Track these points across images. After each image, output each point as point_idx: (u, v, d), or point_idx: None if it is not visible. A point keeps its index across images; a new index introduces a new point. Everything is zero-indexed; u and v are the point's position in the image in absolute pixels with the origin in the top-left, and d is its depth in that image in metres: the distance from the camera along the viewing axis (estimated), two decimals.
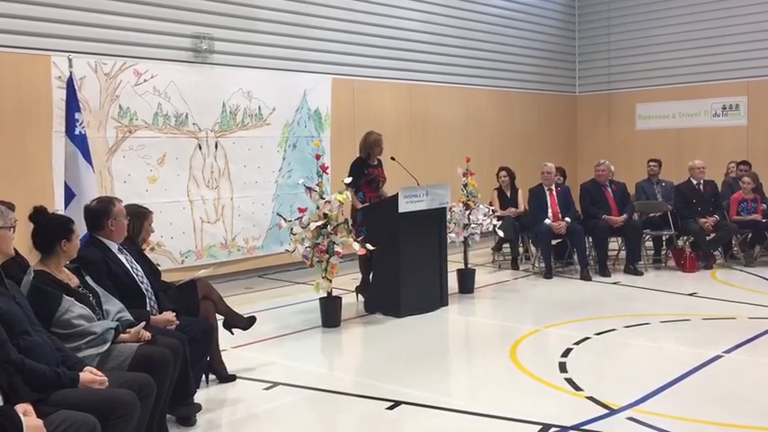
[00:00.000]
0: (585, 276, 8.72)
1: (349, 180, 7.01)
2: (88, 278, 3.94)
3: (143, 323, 3.92)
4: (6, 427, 2.62)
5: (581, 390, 4.82)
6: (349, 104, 10.29)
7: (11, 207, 3.87)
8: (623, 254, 9.43)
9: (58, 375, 3.14)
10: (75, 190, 6.07)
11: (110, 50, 7.84)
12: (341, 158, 9.15)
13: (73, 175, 6.11)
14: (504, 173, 9.93)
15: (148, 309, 4.33)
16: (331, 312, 6.71)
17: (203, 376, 4.93)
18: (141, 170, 8.08)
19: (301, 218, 6.58)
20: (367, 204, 7.27)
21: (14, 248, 3.40)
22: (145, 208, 4.98)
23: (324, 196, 6.59)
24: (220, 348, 5.14)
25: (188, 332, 4.30)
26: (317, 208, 6.54)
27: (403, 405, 4.62)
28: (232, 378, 5.13)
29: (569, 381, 5.01)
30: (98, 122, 7.68)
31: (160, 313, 4.35)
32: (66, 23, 7.54)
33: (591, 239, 9.17)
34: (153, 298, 4.43)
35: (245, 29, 9.07)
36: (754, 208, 9.37)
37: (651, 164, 10.24)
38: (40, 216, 3.69)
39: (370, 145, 7.44)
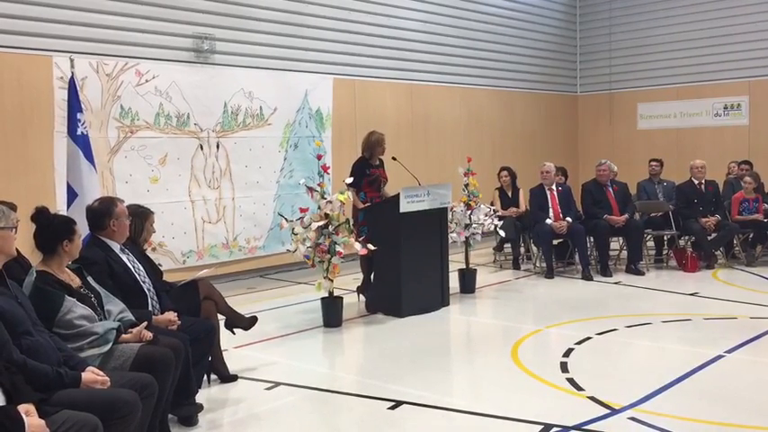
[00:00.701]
0: (587, 276, 8.72)
1: (350, 180, 7.02)
2: (90, 278, 3.94)
3: (145, 323, 3.93)
4: (9, 427, 2.63)
5: (582, 390, 4.82)
6: (350, 104, 10.29)
7: (13, 207, 3.88)
8: (624, 254, 9.43)
9: (60, 375, 3.15)
10: (77, 190, 6.08)
11: (111, 51, 7.85)
12: (342, 158, 9.16)
13: (75, 176, 6.13)
14: (505, 173, 9.93)
15: (150, 309, 4.34)
16: (332, 312, 6.72)
17: (205, 376, 4.94)
18: (143, 170, 8.09)
19: (303, 218, 6.59)
20: (368, 204, 7.26)
21: (16, 249, 3.40)
22: (146, 208, 4.98)
23: (325, 196, 6.60)
24: (222, 348, 5.14)
25: (190, 332, 4.31)
26: (319, 208, 6.55)
27: (404, 405, 4.63)
28: (234, 378, 5.14)
29: (571, 381, 5.01)
30: (99, 123, 7.69)
31: (162, 313, 4.36)
32: (68, 24, 7.55)
33: (592, 239, 9.17)
34: (155, 298, 4.44)
35: (246, 29, 9.08)
36: (755, 208, 9.36)
37: (652, 164, 10.24)
38: (41, 216, 3.69)
39: (373, 145, 7.44)
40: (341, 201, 6.57)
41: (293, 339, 6.36)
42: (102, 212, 4.32)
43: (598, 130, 14.37)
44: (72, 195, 6.09)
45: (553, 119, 14.00)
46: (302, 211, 6.75)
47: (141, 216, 4.85)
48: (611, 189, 9.25)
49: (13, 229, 3.33)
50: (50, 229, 3.70)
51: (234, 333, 5.38)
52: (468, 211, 7.98)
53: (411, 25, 11.19)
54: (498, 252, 10.12)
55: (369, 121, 9.83)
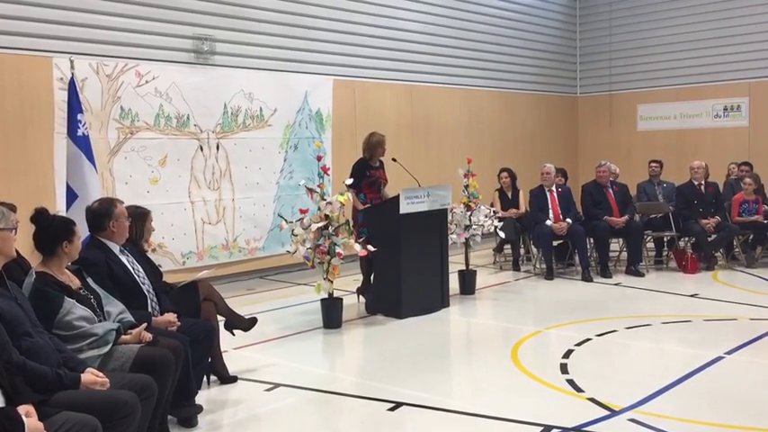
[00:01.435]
0: (587, 277, 8.71)
1: (350, 181, 7.02)
2: (89, 280, 3.94)
3: (144, 324, 3.92)
4: (8, 428, 2.63)
5: (582, 391, 4.82)
6: (350, 106, 10.29)
7: (12, 208, 3.88)
8: (624, 255, 9.43)
9: (60, 377, 3.14)
10: (77, 191, 6.08)
11: (111, 52, 7.85)
12: (342, 159, 9.15)
13: (75, 177, 6.13)
14: (505, 174, 9.93)
15: (150, 310, 4.34)
16: (332, 313, 6.72)
17: (205, 377, 4.93)
18: (143, 171, 8.09)
19: (302, 219, 6.59)
20: (368, 205, 7.27)
21: (16, 250, 3.39)
22: (143, 208, 4.97)
23: (325, 197, 6.60)
24: (222, 349, 5.14)
25: (189, 333, 4.30)
26: (319, 209, 6.55)
27: (404, 406, 4.62)
28: (233, 379, 5.14)
29: (570, 382, 5.01)
30: (99, 124, 7.68)
31: (161, 314, 4.36)
32: (68, 25, 7.55)
33: (592, 240, 9.17)
34: (154, 299, 4.44)
35: (246, 30, 9.08)
36: (755, 209, 9.36)
37: (652, 165, 10.24)
38: (41, 217, 3.69)
39: (373, 146, 7.44)
40: (341, 202, 6.57)
41: (293, 340, 6.35)
42: (101, 213, 4.31)
43: (598, 132, 14.37)
44: (72, 196, 6.09)
45: (553, 120, 14.01)
46: (302, 212, 6.75)
47: (140, 218, 4.84)
48: (611, 190, 9.25)
49: (13, 231, 3.32)
50: (50, 230, 3.69)
51: (234, 334, 5.38)
52: (468, 213, 7.98)
53: (411, 26, 11.19)
54: (498, 253, 10.12)
55: (369, 123, 9.83)
